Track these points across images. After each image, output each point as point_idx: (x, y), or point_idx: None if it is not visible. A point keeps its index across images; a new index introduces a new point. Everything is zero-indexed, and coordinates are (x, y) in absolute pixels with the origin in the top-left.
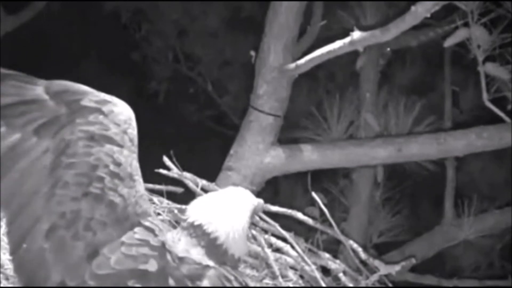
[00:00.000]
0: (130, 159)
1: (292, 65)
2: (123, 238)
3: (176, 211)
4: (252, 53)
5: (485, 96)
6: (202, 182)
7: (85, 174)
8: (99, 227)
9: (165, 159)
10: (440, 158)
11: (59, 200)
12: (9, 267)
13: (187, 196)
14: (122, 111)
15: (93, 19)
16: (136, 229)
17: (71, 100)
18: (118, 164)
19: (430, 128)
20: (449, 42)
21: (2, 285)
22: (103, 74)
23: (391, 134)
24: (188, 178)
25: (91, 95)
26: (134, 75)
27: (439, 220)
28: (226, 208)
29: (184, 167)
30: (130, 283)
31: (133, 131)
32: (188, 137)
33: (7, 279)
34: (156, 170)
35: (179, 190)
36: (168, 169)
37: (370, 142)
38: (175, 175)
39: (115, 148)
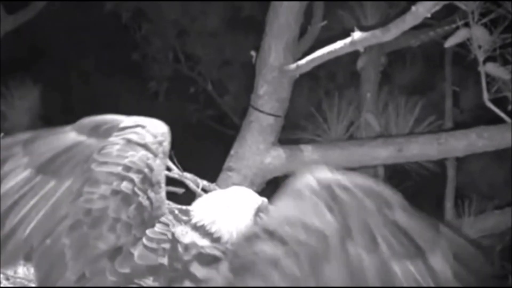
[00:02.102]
0: (160, 169)
1: (293, 65)
2: (146, 231)
3: (176, 211)
4: (253, 53)
5: (485, 96)
6: (203, 183)
7: (116, 174)
8: (124, 231)
9: None
10: (441, 158)
11: (87, 198)
12: None
13: (187, 196)
14: (159, 126)
15: (93, 19)
16: (156, 224)
17: (109, 128)
18: (151, 170)
19: (431, 128)
20: (449, 42)
21: (2, 285)
22: (103, 74)
23: (392, 134)
24: (189, 178)
25: (127, 119)
26: (134, 75)
27: (439, 220)
28: (230, 208)
29: (184, 168)
30: (146, 280)
31: (168, 145)
32: (188, 137)
33: (7, 279)
34: None
35: (180, 190)
36: (169, 169)
37: (370, 142)
38: (176, 176)
39: (149, 155)
